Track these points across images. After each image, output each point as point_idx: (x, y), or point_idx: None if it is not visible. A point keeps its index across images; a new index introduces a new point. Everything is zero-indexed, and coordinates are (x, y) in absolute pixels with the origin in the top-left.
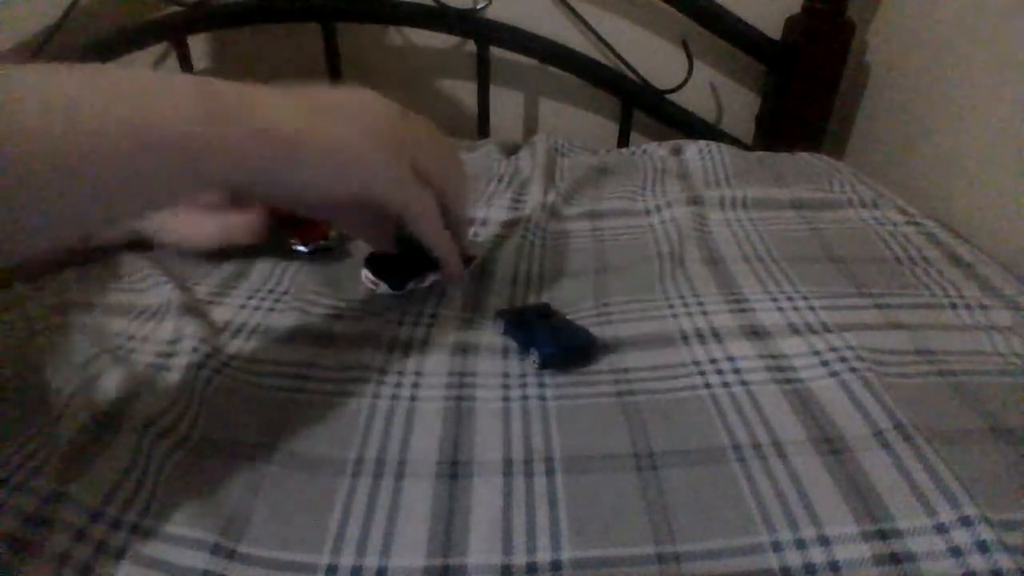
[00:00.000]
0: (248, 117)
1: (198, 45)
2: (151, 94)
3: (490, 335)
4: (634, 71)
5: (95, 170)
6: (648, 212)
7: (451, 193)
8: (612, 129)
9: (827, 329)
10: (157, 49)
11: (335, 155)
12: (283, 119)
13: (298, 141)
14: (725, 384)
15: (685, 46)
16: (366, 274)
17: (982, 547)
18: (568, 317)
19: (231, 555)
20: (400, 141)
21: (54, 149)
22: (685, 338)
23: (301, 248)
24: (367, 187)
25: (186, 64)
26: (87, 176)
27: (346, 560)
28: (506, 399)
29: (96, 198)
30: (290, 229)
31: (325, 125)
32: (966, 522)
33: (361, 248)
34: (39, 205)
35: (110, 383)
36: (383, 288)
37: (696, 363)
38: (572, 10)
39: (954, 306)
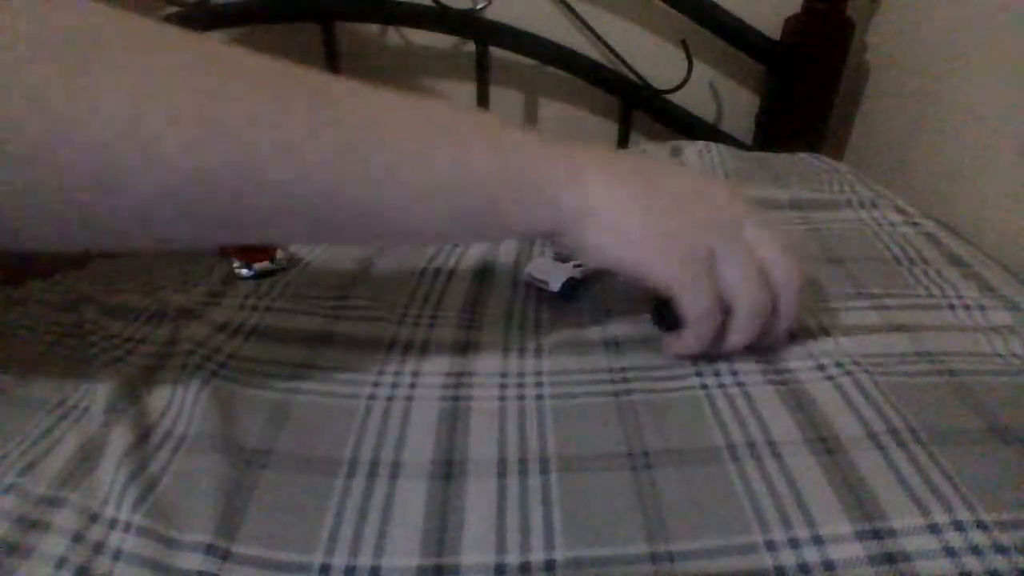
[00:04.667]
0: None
1: None
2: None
3: (490, 335)
4: (634, 71)
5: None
6: None
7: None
8: (612, 129)
9: (824, 330)
10: None
11: (616, 238)
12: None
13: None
14: (721, 385)
15: (685, 46)
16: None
17: (976, 549)
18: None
19: (225, 555)
20: (692, 248)
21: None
22: None
23: (244, 271)
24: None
25: None
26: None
27: (339, 560)
28: (503, 399)
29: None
30: (233, 251)
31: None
32: (959, 526)
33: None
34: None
35: (109, 385)
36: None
37: (693, 363)
38: (572, 10)
39: (952, 307)
